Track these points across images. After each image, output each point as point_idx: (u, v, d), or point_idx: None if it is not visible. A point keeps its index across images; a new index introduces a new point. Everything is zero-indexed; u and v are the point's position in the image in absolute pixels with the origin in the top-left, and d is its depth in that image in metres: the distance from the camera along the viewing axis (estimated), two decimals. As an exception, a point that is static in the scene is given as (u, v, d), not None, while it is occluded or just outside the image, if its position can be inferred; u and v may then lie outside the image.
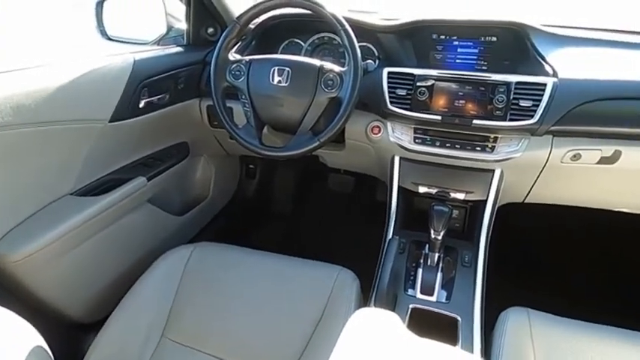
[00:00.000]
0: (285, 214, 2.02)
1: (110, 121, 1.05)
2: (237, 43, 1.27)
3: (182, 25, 1.34)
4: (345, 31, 1.01)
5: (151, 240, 1.33)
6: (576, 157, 1.07)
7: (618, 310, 1.18)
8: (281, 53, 1.37)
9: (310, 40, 1.35)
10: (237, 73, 1.08)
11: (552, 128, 1.02)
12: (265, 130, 1.19)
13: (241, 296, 1.01)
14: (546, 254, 1.68)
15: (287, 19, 1.33)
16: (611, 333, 0.90)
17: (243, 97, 1.09)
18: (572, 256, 1.67)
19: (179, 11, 1.33)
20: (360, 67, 1.01)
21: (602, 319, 0.94)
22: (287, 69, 1.04)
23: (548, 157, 1.08)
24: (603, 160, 1.07)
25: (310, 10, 1.04)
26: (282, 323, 0.96)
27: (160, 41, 1.26)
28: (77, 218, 1.00)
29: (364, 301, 1.04)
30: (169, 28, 1.27)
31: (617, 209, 1.25)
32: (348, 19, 1.05)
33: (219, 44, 1.08)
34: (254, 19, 1.10)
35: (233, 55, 1.11)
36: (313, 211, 2.01)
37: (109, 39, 1.19)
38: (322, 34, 1.34)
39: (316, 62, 1.05)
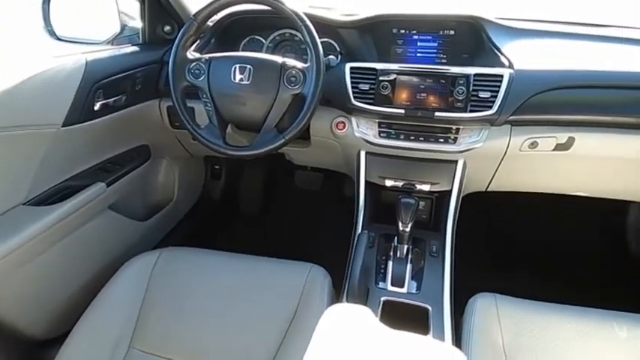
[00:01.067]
0: (253, 214, 2.00)
1: (63, 126, 1.00)
2: (195, 41, 1.23)
3: (137, 23, 1.30)
4: (306, 27, 1.00)
5: (114, 248, 1.28)
6: (534, 145, 1.11)
7: (582, 289, 1.24)
8: (242, 51, 1.35)
9: (271, 37, 1.33)
10: (197, 72, 1.05)
11: (510, 118, 1.06)
12: (229, 129, 1.17)
13: (211, 300, 0.99)
14: (512, 240, 1.74)
15: (247, 16, 1.31)
16: (575, 311, 0.94)
17: (205, 96, 1.06)
18: (537, 240, 1.73)
19: (133, 9, 1.28)
20: (323, 63, 1.00)
21: (568, 299, 0.98)
22: (248, 66, 1.02)
23: (508, 146, 1.12)
24: (559, 147, 1.11)
25: (270, 6, 1.03)
26: (254, 325, 0.94)
27: (114, 41, 1.21)
28: (32, 229, 0.95)
29: (337, 296, 1.04)
30: (123, 27, 1.22)
31: (574, 193, 1.31)
32: (308, 15, 1.04)
33: (176, 43, 1.05)
34: (212, 16, 1.08)
35: (192, 54, 1.08)
36: (281, 210, 2.00)
37: (58, 39, 1.13)
38: (283, 31, 1.33)
39: (278, 59, 1.04)
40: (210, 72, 1.04)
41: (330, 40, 1.28)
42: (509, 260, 1.63)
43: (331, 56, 1.21)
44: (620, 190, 1.28)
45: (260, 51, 1.34)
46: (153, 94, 1.27)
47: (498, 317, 0.92)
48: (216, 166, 1.88)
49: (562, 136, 1.09)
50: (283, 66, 1.02)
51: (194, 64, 1.05)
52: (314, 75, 1.00)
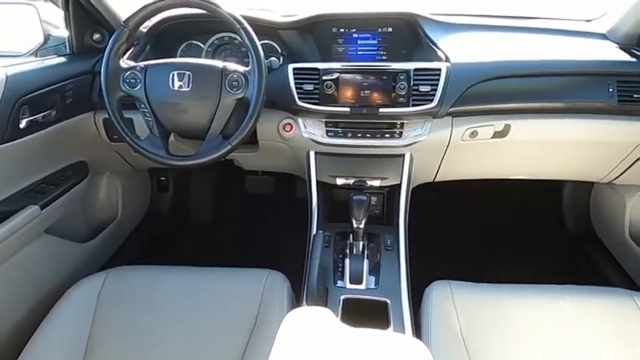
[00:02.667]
0: (205, 224, 1.94)
1: None
2: (128, 48, 1.18)
3: (62, 32, 1.21)
4: (245, 29, 0.99)
5: (55, 274, 1.19)
6: (474, 135, 1.16)
7: (529, 267, 1.31)
8: (180, 56, 1.30)
9: (210, 41, 1.30)
10: (133, 81, 1.00)
11: (451, 110, 1.09)
12: (172, 138, 1.13)
13: (165, 318, 0.95)
14: (461, 226, 1.81)
15: (182, 21, 1.26)
16: (524, 289, 0.99)
17: (143, 106, 1.01)
18: (483, 224, 1.81)
19: (57, 17, 1.20)
20: (264, 66, 0.99)
21: (518, 278, 1.03)
22: (187, 73, 0.99)
23: (450, 137, 1.16)
24: (497, 135, 1.17)
25: (206, 10, 1.00)
26: (215, 338, 0.91)
27: (38, 52, 1.12)
28: None
29: (297, 300, 1.03)
30: (47, 37, 1.14)
31: (514, 177, 1.38)
32: (246, 18, 1.03)
33: (107, 51, 0.99)
34: (144, 21, 1.03)
35: (126, 62, 1.03)
36: (234, 217, 1.95)
37: (-27, 53, 1.04)
38: (222, 34, 1.30)
39: (218, 63, 1.01)
40: (146, 80, 1.00)
41: (271, 42, 1.27)
42: (462, 246, 1.70)
43: (273, 58, 1.20)
44: (554, 171, 1.36)
45: (199, 56, 1.30)
46: (86, 107, 1.20)
47: (454, 303, 0.95)
48: (163, 178, 1.80)
49: (499, 124, 1.15)
50: (224, 70, 1.00)
51: (129, 72, 1.00)
52: (256, 78, 0.98)
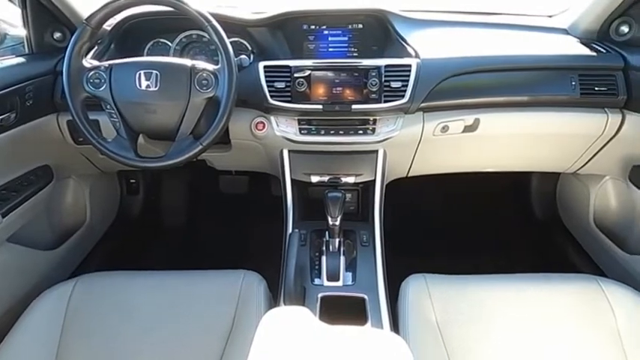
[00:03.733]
0: (179, 226, 1.89)
1: None
2: (92, 47, 1.14)
3: (20, 31, 1.16)
4: (213, 27, 0.97)
5: (20, 284, 1.14)
6: (445, 129, 1.18)
7: (501, 258, 1.34)
8: (147, 55, 1.27)
9: (178, 39, 1.27)
10: (97, 81, 0.97)
11: (422, 105, 1.11)
12: (141, 139, 1.10)
13: (139, 326, 0.92)
14: (435, 220, 1.84)
15: (149, 18, 1.23)
16: (497, 280, 1.02)
17: (109, 107, 0.98)
18: (456, 217, 1.85)
19: (14, 15, 1.14)
20: (234, 64, 0.97)
21: (491, 268, 1.05)
22: (155, 72, 0.96)
23: (422, 132, 1.17)
24: (467, 129, 1.19)
25: (172, 7, 0.97)
26: (191, 342, 0.89)
27: (-7, 52, 1.07)
28: None
29: (274, 300, 1.02)
30: (3, 36, 1.09)
31: (484, 170, 1.41)
32: (215, 15, 1.01)
33: (69, 50, 0.96)
34: (107, 19, 0.99)
35: (89, 62, 0.99)
36: (208, 218, 1.92)
37: None
38: (190, 32, 1.27)
39: (187, 62, 0.99)
40: (112, 80, 0.97)
41: (241, 40, 1.25)
42: (436, 239, 1.73)
43: (243, 56, 1.18)
44: (522, 163, 1.40)
45: (167, 55, 1.27)
46: (48, 109, 1.15)
47: (429, 295, 0.97)
48: (133, 181, 1.75)
49: (469, 119, 1.17)
50: (193, 69, 0.97)
51: (93, 72, 0.97)
52: (226, 76, 0.96)
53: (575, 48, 1.19)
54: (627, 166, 1.21)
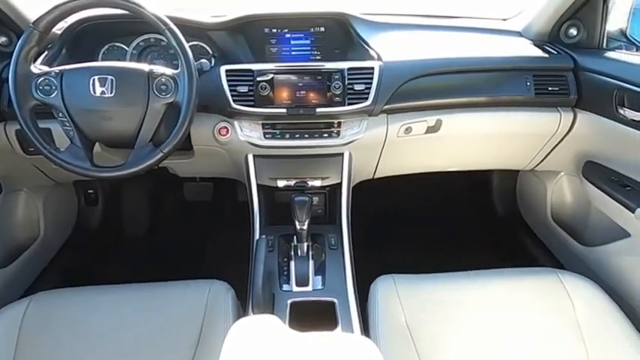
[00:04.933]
0: (141, 237, 1.83)
1: None
2: (41, 52, 1.08)
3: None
4: (171, 30, 0.94)
5: None
6: (408, 131, 1.19)
7: (466, 255, 1.37)
8: (102, 60, 1.22)
9: (135, 43, 1.23)
10: (47, 87, 0.92)
11: (385, 107, 1.12)
12: (97, 148, 1.05)
13: (100, 345, 0.88)
14: (402, 219, 1.86)
15: (103, 22, 1.18)
16: (464, 277, 1.04)
17: (61, 114, 0.93)
18: (423, 216, 1.88)
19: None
20: (194, 68, 0.95)
21: (458, 266, 1.07)
22: (110, 77, 0.92)
23: (386, 134, 1.18)
24: (429, 130, 1.21)
25: (127, 10, 0.94)
26: (156, 358, 0.86)
27: None
28: None
29: (243, 309, 1.00)
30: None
31: (447, 169, 1.44)
32: (173, 18, 0.98)
33: (15, 56, 0.90)
34: (57, 22, 0.95)
35: (38, 68, 0.94)
36: (172, 227, 1.86)
37: None
38: (148, 36, 1.23)
39: (144, 67, 0.95)
40: (63, 87, 0.92)
41: (201, 44, 1.22)
42: (403, 239, 1.75)
43: (203, 60, 1.15)
44: (483, 162, 1.44)
45: (123, 59, 1.22)
46: None
47: (398, 296, 0.97)
48: (90, 191, 1.68)
49: (431, 120, 1.19)
50: (151, 74, 0.94)
51: (42, 79, 0.92)
52: (186, 81, 0.94)
53: (528, 50, 1.24)
54: (580, 162, 1.27)
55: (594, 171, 1.22)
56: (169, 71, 0.96)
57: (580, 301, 0.97)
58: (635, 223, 1.03)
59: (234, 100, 1.08)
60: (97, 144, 1.02)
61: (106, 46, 1.22)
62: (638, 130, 1.01)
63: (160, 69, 0.96)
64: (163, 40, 1.22)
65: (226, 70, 1.09)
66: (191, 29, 1.14)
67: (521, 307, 0.97)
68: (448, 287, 1.01)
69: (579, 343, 0.90)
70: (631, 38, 1.17)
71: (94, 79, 0.92)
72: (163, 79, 0.94)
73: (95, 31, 1.19)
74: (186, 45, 0.95)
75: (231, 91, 1.08)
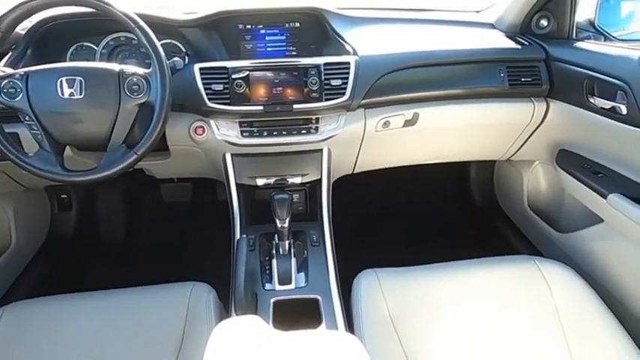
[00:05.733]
0: (119, 241, 1.78)
1: None
2: (4, 53, 1.04)
3: None
4: (141, 28, 0.92)
5: None
6: (386, 125, 1.20)
7: (447, 245, 1.38)
8: (71, 61, 1.18)
9: (104, 42, 1.19)
10: (12, 90, 0.88)
11: (363, 102, 1.12)
12: (69, 151, 1.02)
13: (81, 353, 0.85)
14: (383, 213, 1.87)
15: (70, 20, 1.14)
16: (445, 268, 1.05)
17: (28, 118, 0.90)
18: (403, 210, 1.89)
19: None
20: (167, 66, 0.93)
21: (439, 257, 1.09)
22: (78, 78, 0.89)
23: (365, 129, 1.18)
24: (407, 123, 1.21)
25: (94, 8, 0.91)
26: None
27: None
28: None
29: (226, 310, 0.99)
30: None
31: (426, 162, 1.45)
32: (143, 16, 0.96)
33: None
34: (20, 21, 0.91)
35: (1, 69, 0.91)
36: (151, 230, 1.83)
37: None
38: (117, 35, 1.19)
39: (114, 66, 0.93)
40: (29, 89, 0.88)
41: (174, 41, 1.20)
42: (385, 232, 1.76)
43: (176, 58, 1.13)
44: (460, 153, 1.46)
45: (93, 59, 1.18)
46: None
47: (382, 290, 0.98)
48: (64, 196, 1.63)
49: (409, 113, 1.20)
50: (121, 74, 0.92)
51: (6, 81, 0.88)
52: (159, 80, 0.92)
53: (501, 41, 1.26)
54: (554, 151, 1.30)
55: (567, 159, 1.25)
56: (141, 70, 0.93)
57: (557, 287, 0.99)
58: (607, 209, 1.05)
59: (209, 99, 1.06)
60: (67, 147, 0.99)
61: (74, 46, 1.18)
62: (608, 118, 1.04)
63: (131, 68, 0.93)
64: (134, 39, 1.18)
65: (200, 68, 1.07)
66: (162, 27, 1.11)
67: (501, 296, 0.99)
68: (430, 279, 1.02)
69: (557, 327, 0.93)
70: (599, 28, 1.20)
71: (61, 81, 0.89)
72: (135, 79, 0.92)
73: (62, 30, 1.14)
74: (158, 43, 0.93)
75: (205, 89, 1.06)
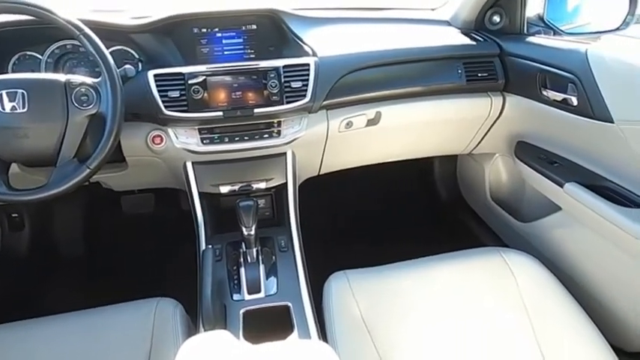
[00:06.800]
0: (79, 259, 1.70)
1: None
2: None
3: None
4: (86, 35, 0.87)
5: None
6: (349, 125, 1.19)
7: (417, 241, 1.40)
8: (13, 72, 1.11)
9: (49, 51, 1.12)
10: None
11: (324, 103, 1.11)
12: (16, 168, 0.96)
13: None
14: (353, 214, 1.87)
15: (9, 29, 1.07)
16: (415, 265, 1.06)
17: None
18: (370, 209, 1.90)
19: None
20: (117, 75, 0.89)
21: (408, 254, 1.09)
22: (20, 91, 0.84)
23: (328, 130, 1.18)
24: (370, 123, 1.22)
25: (34, 15, 0.86)
26: None
27: None
28: None
29: (194, 324, 0.96)
30: None
31: (391, 160, 1.46)
32: (89, 22, 0.91)
33: None
34: None
35: None
36: (112, 245, 1.75)
37: None
38: (63, 42, 1.13)
39: (60, 77, 0.88)
40: None
41: (125, 48, 1.14)
42: (355, 233, 1.76)
43: (127, 66, 1.07)
44: (423, 149, 1.48)
45: (37, 70, 1.11)
46: None
47: (352, 292, 0.97)
48: (15, 215, 1.53)
49: (371, 112, 1.20)
50: (68, 84, 0.87)
51: None
52: (109, 90, 0.87)
53: (457, 38, 1.28)
54: (512, 143, 1.33)
55: (525, 150, 1.28)
56: (89, 80, 0.89)
57: (522, 276, 1.02)
58: (564, 198, 1.09)
59: (165, 107, 1.02)
60: (11, 165, 0.93)
61: (16, 56, 1.11)
62: (560, 110, 1.08)
63: (78, 78, 0.88)
64: (82, 46, 1.13)
65: (154, 75, 1.03)
66: (111, 33, 1.07)
67: (470, 289, 1.00)
68: (400, 277, 1.02)
69: (524, 315, 0.95)
70: (548, 22, 1.24)
71: (1, 94, 0.83)
72: (83, 89, 0.87)
73: (2, 39, 1.07)
74: (105, 51, 0.88)
75: (161, 96, 1.02)
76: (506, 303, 0.97)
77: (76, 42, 1.12)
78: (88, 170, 0.87)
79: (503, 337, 0.92)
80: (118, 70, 0.90)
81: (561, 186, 1.08)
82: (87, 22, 0.90)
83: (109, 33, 1.05)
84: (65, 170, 0.88)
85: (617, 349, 0.89)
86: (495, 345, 0.91)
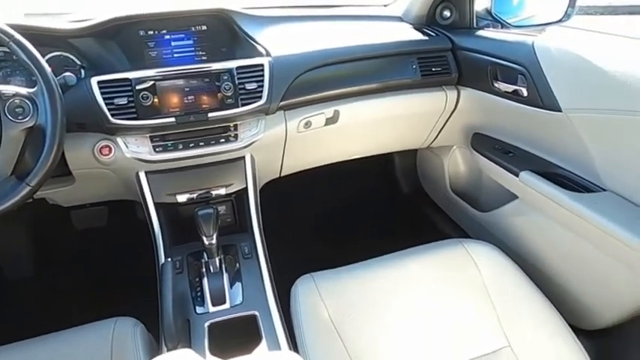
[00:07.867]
0: (28, 280, 1.58)
1: None
2: None
3: None
4: (17, 42, 0.80)
5: None
6: (308, 125, 1.18)
7: (383, 236, 1.40)
8: None
9: None
10: None
11: (281, 104, 1.09)
12: None
13: None
14: (316, 214, 1.85)
15: None
16: (380, 262, 1.06)
17: None
18: (334, 207, 1.89)
19: None
20: (55, 83, 0.82)
21: (376, 249, 1.09)
22: None
23: (286, 131, 1.15)
24: (329, 121, 1.21)
25: None
26: None
27: None
28: None
29: (158, 342, 0.91)
30: None
31: (352, 157, 1.46)
32: (22, 27, 0.85)
33: None
34: None
35: None
36: (65, 263, 1.64)
37: None
38: None
39: None
40: None
41: (64, 54, 1.07)
42: (319, 234, 1.74)
43: (67, 73, 1.00)
44: (383, 145, 1.48)
45: None
46: None
47: (319, 294, 0.96)
48: None
49: (329, 111, 1.19)
50: (0, 96, 0.80)
51: None
52: (47, 100, 0.81)
53: (410, 34, 1.29)
54: (469, 135, 1.36)
55: (481, 142, 1.31)
56: (24, 90, 0.82)
57: (484, 266, 1.04)
58: (519, 186, 1.12)
59: (112, 115, 0.96)
60: None
61: None
62: (512, 101, 1.11)
63: (11, 89, 0.81)
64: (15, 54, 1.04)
65: (99, 82, 0.97)
66: (48, 38, 1.00)
67: (435, 283, 1.01)
68: (366, 276, 1.02)
69: (488, 302, 0.97)
70: (496, 16, 1.27)
71: None
72: (17, 101, 0.80)
73: None
74: (40, 58, 0.82)
75: (107, 104, 0.96)
76: (471, 293, 0.99)
77: (7, 49, 1.04)
78: (29, 188, 0.80)
79: (470, 327, 0.93)
80: (56, 79, 0.83)
81: (516, 175, 1.12)
82: (18, 28, 0.84)
83: (46, 38, 0.99)
84: (2, 189, 0.80)
85: (575, 329, 0.93)
86: (463, 335, 0.92)
